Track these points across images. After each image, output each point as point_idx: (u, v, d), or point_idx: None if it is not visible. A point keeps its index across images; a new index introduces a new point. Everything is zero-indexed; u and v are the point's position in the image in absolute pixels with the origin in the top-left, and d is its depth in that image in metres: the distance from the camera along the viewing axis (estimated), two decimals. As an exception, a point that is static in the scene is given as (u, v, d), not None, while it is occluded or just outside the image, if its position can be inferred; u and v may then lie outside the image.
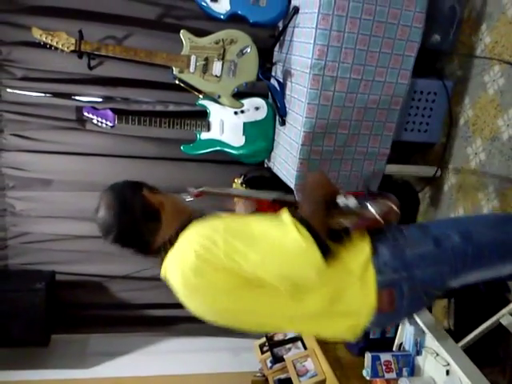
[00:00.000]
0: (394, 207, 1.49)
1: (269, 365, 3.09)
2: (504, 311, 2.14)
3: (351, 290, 1.41)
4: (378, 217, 1.46)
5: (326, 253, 1.32)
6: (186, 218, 1.47)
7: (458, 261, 1.50)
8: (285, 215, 1.36)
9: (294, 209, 1.45)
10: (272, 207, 1.58)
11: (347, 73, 2.44)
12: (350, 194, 1.55)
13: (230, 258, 1.31)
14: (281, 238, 1.32)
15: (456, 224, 1.63)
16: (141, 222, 1.45)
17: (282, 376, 2.99)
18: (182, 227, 1.43)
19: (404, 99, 2.62)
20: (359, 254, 1.45)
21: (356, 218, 1.50)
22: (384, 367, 2.08)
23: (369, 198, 1.52)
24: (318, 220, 1.38)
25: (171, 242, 1.43)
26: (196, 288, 1.37)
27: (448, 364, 1.95)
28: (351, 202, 1.51)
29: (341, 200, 1.53)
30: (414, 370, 2.12)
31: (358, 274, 1.42)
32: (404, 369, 2.10)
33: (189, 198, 1.88)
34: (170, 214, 1.48)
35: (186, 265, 1.34)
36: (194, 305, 1.43)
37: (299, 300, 1.39)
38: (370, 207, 1.49)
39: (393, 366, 2.09)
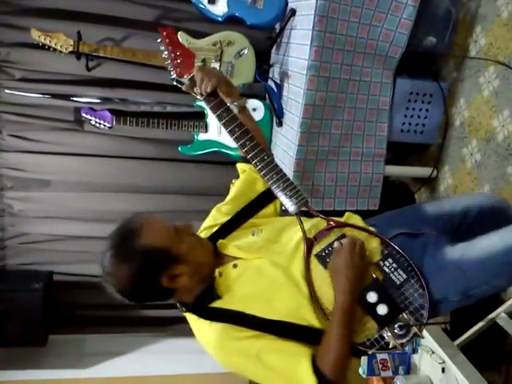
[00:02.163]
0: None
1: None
2: (499, 310, 2.16)
3: None
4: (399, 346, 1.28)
5: None
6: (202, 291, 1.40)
7: None
8: (304, 372, 1.23)
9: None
10: None
11: (337, 73, 2.49)
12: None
13: None
14: None
15: (463, 274, 1.37)
16: (152, 299, 1.44)
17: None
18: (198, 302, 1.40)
19: (390, 99, 2.67)
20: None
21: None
22: (380, 365, 2.09)
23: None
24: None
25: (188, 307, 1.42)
26: None
27: (444, 362, 1.97)
28: (382, 309, 1.30)
29: (372, 297, 1.32)
30: (410, 368, 2.13)
31: None
32: (400, 367, 2.12)
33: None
34: (185, 291, 1.40)
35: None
36: None
37: None
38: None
39: (389, 364, 2.10)
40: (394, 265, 1.36)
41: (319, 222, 1.47)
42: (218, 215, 1.63)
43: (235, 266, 1.42)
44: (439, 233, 1.50)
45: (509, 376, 2.25)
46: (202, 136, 2.97)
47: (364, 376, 2.10)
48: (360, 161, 2.72)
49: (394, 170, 2.98)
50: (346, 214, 1.58)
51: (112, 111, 2.90)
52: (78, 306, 3.38)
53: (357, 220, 1.55)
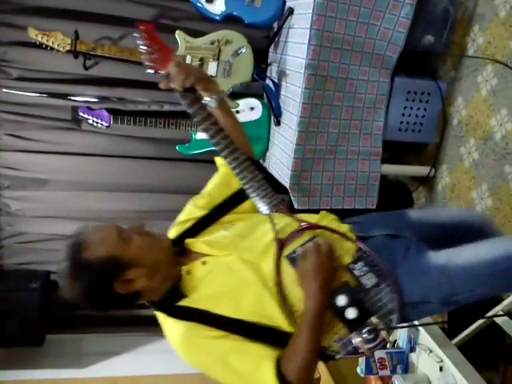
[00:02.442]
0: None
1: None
2: (497, 309, 2.16)
3: None
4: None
5: None
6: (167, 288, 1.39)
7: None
8: (266, 376, 1.23)
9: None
10: None
11: (335, 72, 2.49)
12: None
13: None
14: None
15: (448, 279, 1.36)
16: (115, 305, 1.43)
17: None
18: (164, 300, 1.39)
19: (387, 98, 2.68)
20: None
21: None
22: (378, 364, 2.09)
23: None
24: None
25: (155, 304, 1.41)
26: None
27: (441, 360, 1.97)
28: (351, 312, 1.28)
29: (341, 300, 1.30)
30: (407, 367, 2.13)
31: None
32: (398, 366, 2.11)
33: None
34: (149, 291, 1.39)
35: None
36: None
37: None
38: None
39: (387, 363, 2.10)
40: (365, 268, 1.34)
41: (293, 222, 1.45)
42: (193, 209, 1.60)
43: (204, 263, 1.40)
44: (420, 239, 1.48)
45: (506, 375, 2.26)
46: (199, 135, 2.97)
47: (362, 375, 2.11)
48: (357, 159, 2.72)
49: (392, 169, 2.98)
50: (321, 212, 1.56)
51: (109, 110, 2.90)
52: (76, 306, 3.35)
53: (331, 220, 1.53)
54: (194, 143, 2.98)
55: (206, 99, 1.56)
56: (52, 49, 2.66)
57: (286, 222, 1.44)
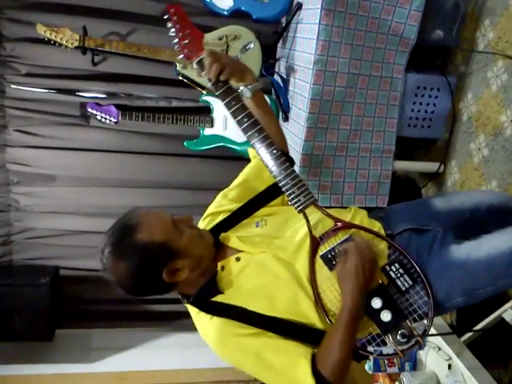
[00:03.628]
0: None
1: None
2: (506, 306, 2.15)
3: None
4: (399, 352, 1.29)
5: None
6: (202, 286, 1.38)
7: None
8: (303, 373, 1.23)
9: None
10: None
11: (346, 68, 2.47)
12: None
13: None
14: None
15: (469, 275, 1.37)
16: (153, 293, 1.40)
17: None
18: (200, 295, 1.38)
19: (401, 94, 2.65)
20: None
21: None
22: (386, 361, 2.09)
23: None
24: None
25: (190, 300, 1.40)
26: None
27: (450, 358, 1.96)
28: (386, 315, 1.28)
29: (377, 303, 1.29)
30: (416, 365, 2.13)
31: None
32: (406, 363, 2.11)
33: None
34: (186, 284, 1.38)
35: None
36: None
37: None
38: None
39: (395, 361, 2.10)
40: (400, 270, 1.33)
41: (326, 218, 1.42)
42: (223, 201, 1.59)
43: (238, 259, 1.40)
44: (446, 229, 1.48)
45: (515, 373, 2.25)
46: (207, 131, 2.96)
47: (370, 372, 2.10)
48: (369, 157, 2.70)
49: (401, 165, 2.96)
50: (353, 208, 1.55)
51: (117, 106, 2.90)
52: (85, 301, 3.39)
53: (363, 216, 1.52)
54: (202, 139, 2.97)
55: (241, 88, 1.51)
56: (60, 45, 2.67)
57: (318, 218, 1.43)
